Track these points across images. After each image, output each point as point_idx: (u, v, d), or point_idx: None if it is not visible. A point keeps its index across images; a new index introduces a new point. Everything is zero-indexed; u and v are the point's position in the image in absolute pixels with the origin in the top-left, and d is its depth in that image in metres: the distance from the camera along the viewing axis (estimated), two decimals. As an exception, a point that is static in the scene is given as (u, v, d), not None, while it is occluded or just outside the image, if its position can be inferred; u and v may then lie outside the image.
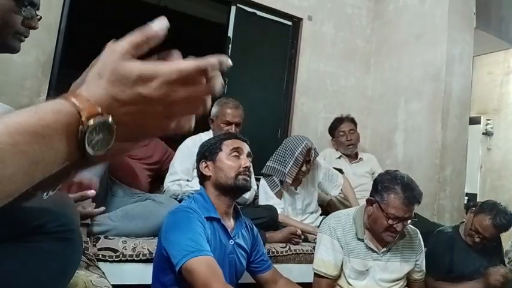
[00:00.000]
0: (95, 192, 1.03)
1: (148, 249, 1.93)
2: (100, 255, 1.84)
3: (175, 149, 2.59)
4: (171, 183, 2.43)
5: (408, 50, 3.67)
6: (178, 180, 2.43)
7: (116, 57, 0.41)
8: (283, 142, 2.73)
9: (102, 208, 1.85)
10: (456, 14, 3.42)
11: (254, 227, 1.81)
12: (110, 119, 0.41)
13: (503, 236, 2.40)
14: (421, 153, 3.39)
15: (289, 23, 3.74)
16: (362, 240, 1.86)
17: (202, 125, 2.58)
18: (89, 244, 1.84)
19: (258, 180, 2.73)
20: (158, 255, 1.56)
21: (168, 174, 2.48)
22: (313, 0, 3.77)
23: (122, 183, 2.30)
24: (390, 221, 1.73)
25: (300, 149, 2.55)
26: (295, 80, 3.70)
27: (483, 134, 5.49)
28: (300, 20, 3.74)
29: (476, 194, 5.22)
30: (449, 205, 3.26)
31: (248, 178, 1.62)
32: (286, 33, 3.73)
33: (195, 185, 2.38)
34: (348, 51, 3.96)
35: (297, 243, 2.41)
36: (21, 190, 0.38)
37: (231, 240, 1.60)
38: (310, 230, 2.57)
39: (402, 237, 1.90)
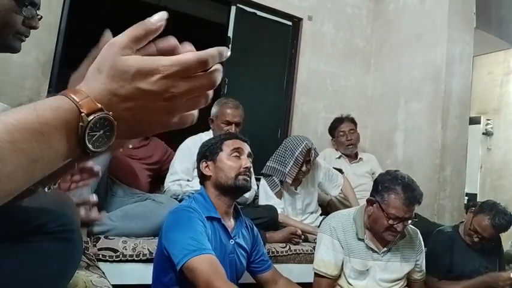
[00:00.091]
0: (97, 199, 1.03)
1: (148, 249, 1.93)
2: (100, 255, 1.84)
3: (175, 149, 2.59)
4: (171, 183, 2.43)
5: (408, 50, 3.67)
6: (179, 180, 2.43)
7: (114, 52, 0.40)
8: (283, 142, 2.73)
9: (103, 214, 1.86)
10: (456, 14, 3.42)
11: (254, 227, 1.81)
12: (110, 115, 0.40)
13: (503, 236, 2.40)
14: (421, 153, 3.39)
15: (289, 23, 3.74)
16: (362, 240, 1.86)
17: (202, 125, 2.58)
18: (89, 244, 1.84)
19: (258, 180, 2.73)
20: (159, 255, 1.56)
21: (168, 174, 2.48)
22: (313, 0, 3.77)
23: (122, 183, 2.30)
24: (391, 221, 1.73)
25: (300, 149, 2.55)
26: (295, 80, 3.70)
27: (483, 134, 5.49)
28: (300, 20, 3.74)
29: (476, 194, 5.22)
30: (449, 205, 3.26)
31: (248, 178, 1.62)
32: (286, 33, 3.73)
33: (196, 184, 2.38)
34: (348, 51, 3.96)
35: (297, 243, 2.41)
36: (21, 188, 0.38)
37: (232, 240, 1.61)
38: (310, 230, 2.57)
39: (402, 237, 1.90)
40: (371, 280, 1.86)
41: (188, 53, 0.42)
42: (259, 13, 3.57)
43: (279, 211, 2.52)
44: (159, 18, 0.43)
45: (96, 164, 0.78)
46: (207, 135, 2.58)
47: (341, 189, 2.87)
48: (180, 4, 4.79)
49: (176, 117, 0.44)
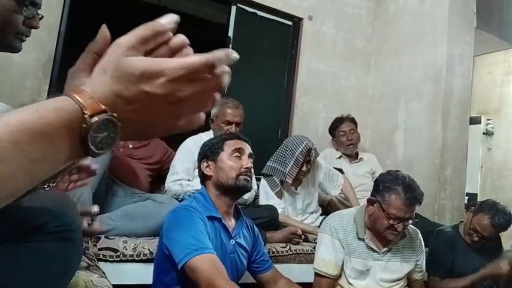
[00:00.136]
0: (98, 210, 1.03)
1: (148, 249, 1.93)
2: (100, 255, 1.84)
3: (175, 149, 2.59)
4: (172, 183, 2.43)
5: (408, 50, 3.67)
6: (180, 180, 2.43)
7: (120, 52, 0.40)
8: (284, 142, 2.73)
9: (104, 227, 1.87)
10: (456, 14, 3.41)
11: (255, 227, 1.81)
12: (114, 117, 0.39)
13: (503, 236, 2.40)
14: (422, 153, 3.39)
15: (290, 23, 3.74)
16: (363, 240, 1.86)
17: (202, 125, 2.58)
18: (90, 244, 1.84)
19: (258, 180, 2.73)
20: (159, 255, 1.56)
21: (169, 174, 2.48)
22: (314, 0, 3.76)
23: (122, 183, 2.30)
24: (391, 221, 1.74)
25: (300, 149, 2.55)
26: (296, 79, 3.70)
27: (483, 134, 5.49)
28: (300, 20, 3.74)
29: (476, 194, 5.22)
30: (449, 205, 3.26)
31: (249, 179, 1.62)
32: (287, 33, 3.73)
33: (197, 184, 2.38)
34: (348, 51, 3.96)
35: (297, 243, 2.41)
36: (24, 189, 0.37)
37: (232, 239, 1.61)
38: (310, 230, 2.57)
39: (403, 237, 1.90)
40: (371, 280, 1.87)
41: (195, 56, 0.41)
42: (259, 13, 3.57)
43: (279, 211, 2.52)
44: (170, 20, 0.42)
45: (95, 163, 0.78)
46: (207, 135, 2.58)
47: (341, 189, 2.87)
48: (180, 4, 4.79)
49: (182, 120, 0.43)
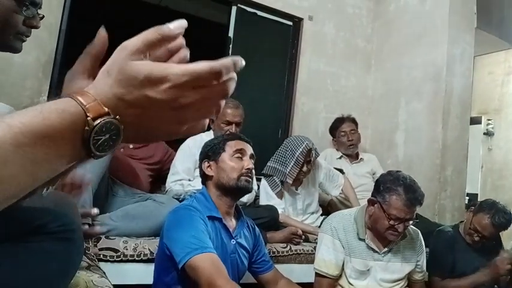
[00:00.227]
0: (98, 211, 1.03)
1: (149, 249, 1.93)
2: (101, 255, 1.84)
3: (176, 149, 2.59)
4: (173, 183, 2.43)
5: (409, 50, 3.67)
6: (180, 180, 2.43)
7: (125, 56, 0.39)
8: (284, 142, 2.73)
9: (104, 228, 1.87)
10: (457, 14, 3.41)
11: (256, 227, 1.81)
12: (117, 120, 0.39)
13: (504, 236, 2.40)
14: (422, 153, 3.39)
15: (290, 23, 3.74)
16: (363, 240, 1.86)
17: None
18: (90, 244, 1.84)
19: (258, 180, 2.73)
20: (160, 255, 1.56)
21: (169, 174, 2.48)
22: (314, 0, 3.76)
23: (122, 183, 2.30)
24: (392, 222, 1.74)
25: (300, 150, 2.55)
26: (296, 80, 3.70)
27: (484, 134, 5.49)
28: (300, 20, 3.74)
29: (477, 194, 5.22)
30: (450, 205, 3.26)
31: (250, 180, 1.62)
32: (287, 33, 3.73)
33: (197, 184, 2.38)
34: (348, 51, 3.96)
35: (297, 244, 2.40)
36: (26, 191, 0.37)
37: (233, 240, 1.61)
38: (310, 230, 2.57)
39: (403, 237, 1.90)
40: (372, 280, 1.86)
41: (201, 63, 0.40)
42: (259, 13, 3.57)
43: (280, 211, 2.52)
44: (178, 25, 0.42)
45: (90, 171, 0.78)
46: (207, 135, 2.58)
47: (342, 190, 2.87)
48: (180, 4, 4.79)
49: (185, 126, 0.43)
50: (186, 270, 1.36)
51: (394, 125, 3.70)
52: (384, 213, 1.75)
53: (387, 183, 1.78)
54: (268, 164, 2.69)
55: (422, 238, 1.99)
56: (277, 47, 3.71)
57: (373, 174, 3.27)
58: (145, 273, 1.82)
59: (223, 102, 0.44)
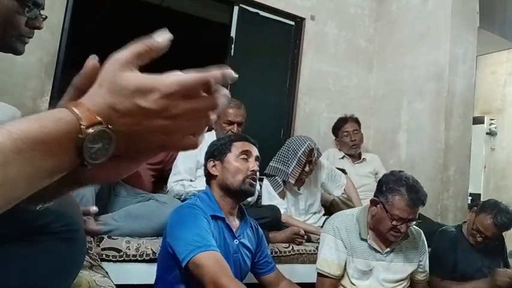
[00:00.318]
0: (97, 209, 1.03)
1: (151, 249, 1.94)
2: (104, 255, 1.84)
3: (178, 149, 2.59)
4: (174, 183, 2.43)
5: (411, 50, 3.66)
6: (182, 180, 2.44)
7: (115, 67, 0.41)
8: (286, 142, 2.73)
9: (103, 227, 1.87)
10: (459, 13, 3.41)
11: (259, 228, 1.81)
12: (110, 129, 0.40)
13: (507, 237, 2.39)
14: (424, 153, 3.38)
15: (292, 23, 3.73)
16: (365, 240, 1.86)
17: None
18: (93, 244, 1.85)
19: (261, 180, 2.73)
20: (163, 253, 1.56)
21: (171, 174, 2.49)
22: (316, 0, 3.76)
23: (125, 183, 2.30)
24: (394, 222, 1.73)
25: (302, 150, 2.55)
26: (298, 80, 3.70)
27: (487, 133, 5.48)
28: (302, 20, 3.74)
29: (480, 194, 5.21)
30: (452, 205, 3.25)
31: (254, 183, 1.62)
32: (289, 33, 3.73)
33: (198, 185, 2.38)
34: (350, 51, 3.95)
35: (300, 244, 2.40)
36: (23, 196, 0.38)
37: (236, 239, 1.61)
38: (313, 230, 2.57)
39: (406, 237, 1.90)
40: (374, 280, 1.86)
41: (190, 74, 0.42)
42: (261, 13, 3.57)
43: (282, 211, 2.52)
44: (165, 38, 0.43)
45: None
46: (209, 135, 2.59)
47: (344, 190, 2.87)
48: (183, 4, 4.80)
49: (175, 139, 0.44)
50: (190, 268, 1.35)
51: (396, 125, 3.69)
52: (387, 213, 1.74)
53: (390, 184, 1.78)
54: (271, 164, 2.69)
55: (424, 238, 1.99)
56: (279, 47, 3.71)
57: (376, 174, 3.26)
58: (148, 273, 1.82)
59: (213, 116, 0.45)
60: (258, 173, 1.67)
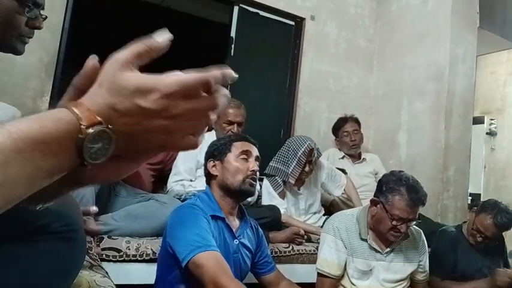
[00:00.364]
0: (97, 209, 1.03)
1: (151, 249, 1.94)
2: (104, 255, 1.85)
3: (178, 149, 2.59)
4: (174, 183, 2.43)
5: (411, 50, 3.66)
6: (182, 180, 2.44)
7: (115, 67, 0.41)
8: (286, 142, 2.73)
9: (103, 227, 1.87)
10: (459, 13, 3.41)
11: (259, 228, 1.81)
12: (110, 129, 0.40)
13: (507, 237, 2.39)
14: (425, 153, 3.38)
15: (292, 23, 3.73)
16: (365, 240, 1.86)
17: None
18: (93, 244, 1.85)
19: (260, 180, 2.73)
20: (163, 253, 1.56)
21: (171, 174, 2.49)
22: (316, 0, 3.76)
23: (125, 183, 2.30)
24: (394, 222, 1.73)
25: (302, 150, 2.55)
26: (298, 80, 3.70)
27: (487, 133, 5.48)
28: (302, 20, 3.74)
29: (480, 194, 5.21)
30: (452, 205, 3.25)
31: (254, 183, 1.62)
32: (289, 33, 3.73)
33: (198, 185, 2.38)
34: (350, 51, 3.95)
35: (300, 244, 2.40)
36: (23, 196, 0.38)
37: (236, 239, 1.61)
38: (313, 230, 2.57)
39: (406, 237, 1.90)
40: (374, 280, 1.86)
41: (190, 74, 0.42)
42: (261, 13, 3.57)
43: (282, 211, 2.52)
44: (165, 38, 0.43)
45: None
46: (209, 135, 2.59)
47: (344, 190, 2.87)
48: (183, 4, 4.80)
49: (175, 139, 0.44)
50: (190, 268, 1.35)
51: (396, 125, 3.69)
52: (387, 213, 1.74)
53: (390, 184, 1.78)
54: (271, 164, 2.69)
55: (424, 238, 1.99)
56: (279, 47, 3.71)
57: (376, 174, 3.26)
58: (148, 273, 1.82)
59: (213, 116, 0.45)
60: (258, 173, 1.67)
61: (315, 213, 2.79)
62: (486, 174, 5.44)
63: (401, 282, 1.91)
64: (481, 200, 4.35)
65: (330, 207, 3.04)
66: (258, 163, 1.66)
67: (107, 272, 1.30)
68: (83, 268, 1.06)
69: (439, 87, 3.36)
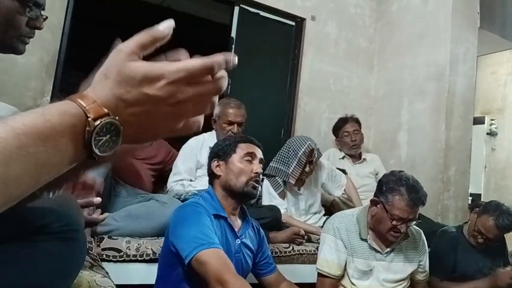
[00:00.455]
0: (100, 199, 1.03)
1: (151, 249, 1.94)
2: (104, 255, 1.85)
3: (178, 149, 2.59)
4: (174, 183, 2.43)
5: (411, 50, 3.66)
6: (182, 180, 2.44)
7: (121, 58, 0.41)
8: (286, 142, 2.73)
9: (106, 214, 1.87)
10: (459, 13, 3.40)
11: (261, 228, 1.82)
12: (117, 120, 0.40)
13: (508, 237, 2.39)
14: (425, 153, 3.38)
15: (292, 23, 3.73)
16: (365, 240, 1.86)
17: (205, 125, 2.58)
18: (93, 244, 1.85)
19: (261, 180, 2.73)
20: (165, 252, 1.55)
21: (171, 174, 2.49)
22: (316, 0, 3.76)
23: (125, 183, 2.31)
24: (394, 222, 1.73)
25: (303, 150, 2.55)
26: (298, 80, 3.70)
27: (487, 134, 5.48)
28: (303, 20, 3.74)
29: (480, 194, 5.21)
30: (453, 205, 3.25)
31: (257, 186, 1.62)
32: (289, 34, 3.73)
33: (198, 185, 2.39)
34: (351, 51, 3.95)
35: (300, 244, 2.40)
36: (28, 192, 0.38)
37: (238, 239, 1.61)
38: (313, 230, 2.57)
39: (406, 237, 1.90)
40: (374, 280, 1.86)
41: (194, 59, 0.42)
42: (262, 13, 3.57)
43: (282, 211, 2.52)
44: (167, 26, 0.43)
45: (98, 175, 0.78)
46: (210, 136, 2.59)
47: (344, 190, 2.87)
48: (183, 4, 4.80)
49: (182, 123, 0.45)
50: (193, 266, 1.35)
51: (396, 125, 3.69)
52: (387, 213, 1.74)
53: (390, 184, 1.78)
54: (271, 164, 2.69)
55: (424, 238, 1.99)
56: (279, 47, 3.71)
57: (376, 174, 3.26)
58: (148, 273, 1.82)
59: (216, 99, 0.46)
60: (261, 176, 1.67)
61: (315, 213, 2.78)
62: (486, 175, 5.44)
63: (402, 282, 1.91)
64: (482, 200, 4.35)
65: (330, 208, 3.03)
66: (261, 165, 1.66)
67: (107, 272, 1.30)
68: (83, 268, 1.06)
69: (440, 87, 3.35)
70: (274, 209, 2.47)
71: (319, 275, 1.89)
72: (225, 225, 1.58)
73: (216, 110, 2.60)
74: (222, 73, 0.44)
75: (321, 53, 3.78)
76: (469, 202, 3.54)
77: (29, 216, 0.80)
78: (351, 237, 1.87)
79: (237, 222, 1.66)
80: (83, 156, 0.40)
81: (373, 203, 1.84)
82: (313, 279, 1.97)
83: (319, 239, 2.14)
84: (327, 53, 3.82)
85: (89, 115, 0.39)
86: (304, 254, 2.37)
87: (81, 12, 3.03)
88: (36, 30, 1.18)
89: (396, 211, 1.72)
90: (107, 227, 1.95)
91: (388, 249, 1.87)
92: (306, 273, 2.23)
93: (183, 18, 4.82)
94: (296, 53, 3.73)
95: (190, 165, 2.48)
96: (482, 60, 5.21)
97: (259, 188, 1.77)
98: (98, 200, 1.03)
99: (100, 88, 0.41)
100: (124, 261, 1.89)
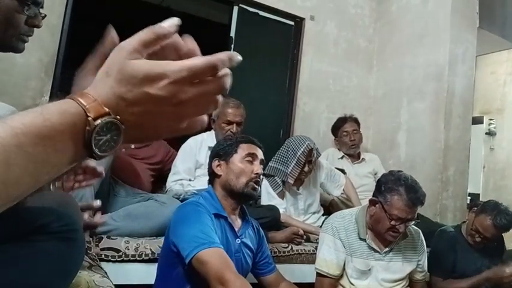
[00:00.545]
0: (100, 204, 1.03)
1: (150, 249, 1.93)
2: (103, 255, 1.84)
3: (177, 149, 2.59)
4: (173, 183, 2.43)
5: (411, 50, 3.67)
6: (181, 180, 2.44)
7: (123, 56, 0.40)
8: (285, 142, 2.72)
9: (105, 217, 1.87)
10: (459, 13, 3.41)
11: (260, 228, 1.82)
12: (118, 119, 0.39)
13: (506, 237, 2.39)
14: (424, 153, 3.38)
15: (292, 23, 3.73)
16: (364, 240, 1.86)
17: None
18: (92, 244, 1.85)
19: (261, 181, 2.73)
20: (165, 251, 1.56)
21: (170, 174, 2.49)
22: (316, 0, 3.76)
23: (124, 183, 2.30)
24: (393, 222, 1.73)
25: (302, 150, 2.55)
26: (298, 80, 3.70)
27: (486, 133, 5.49)
28: (302, 20, 3.74)
29: (479, 194, 5.22)
30: (452, 205, 3.25)
31: (257, 187, 1.63)
32: (289, 33, 3.73)
33: (197, 184, 2.38)
34: (350, 51, 3.95)
35: (299, 243, 2.40)
36: (27, 193, 0.37)
37: (238, 239, 1.61)
38: (312, 230, 2.57)
39: (404, 237, 1.90)
40: (373, 280, 1.86)
41: (197, 58, 0.41)
42: (261, 13, 3.57)
43: (281, 211, 2.52)
44: (171, 23, 0.42)
45: (99, 165, 0.78)
46: (209, 135, 2.59)
47: (343, 190, 2.87)
48: (182, 4, 4.79)
49: (184, 123, 0.44)
50: (193, 265, 1.35)
51: (396, 125, 3.69)
52: (386, 213, 1.75)
53: (389, 184, 1.78)
54: (270, 164, 2.69)
55: (423, 238, 1.99)
56: (278, 47, 3.71)
57: (375, 174, 3.26)
58: (147, 273, 1.82)
59: (220, 98, 0.44)
60: (261, 176, 1.67)
61: (314, 213, 2.79)
62: (485, 174, 5.45)
63: (400, 282, 1.91)
64: (480, 199, 4.35)
65: (329, 207, 3.04)
66: (262, 166, 1.66)
67: (105, 272, 1.30)
68: (82, 268, 1.06)
69: (439, 87, 3.36)
70: (273, 209, 2.47)
71: (318, 274, 1.89)
72: (225, 224, 1.58)
73: (215, 110, 2.60)
74: (226, 71, 0.43)
75: (320, 53, 3.78)
76: (468, 202, 3.55)
77: (28, 216, 0.80)
78: (349, 237, 1.87)
79: (237, 222, 1.66)
80: (83, 156, 0.40)
81: (372, 202, 1.84)
82: (312, 279, 1.98)
83: (318, 238, 2.14)
84: (327, 53, 3.82)
85: (89, 114, 0.38)
86: (303, 253, 2.37)
87: (81, 12, 3.02)
88: (35, 30, 1.18)
89: (395, 211, 1.72)
90: (105, 227, 1.95)
91: (387, 249, 1.87)
92: (305, 273, 2.23)
93: (183, 18, 4.80)
94: (295, 52, 3.73)
95: (189, 165, 2.48)
96: (482, 60, 5.21)
97: (259, 189, 1.77)
98: (98, 204, 1.03)
99: (101, 86, 0.40)
100: (123, 261, 1.89)
